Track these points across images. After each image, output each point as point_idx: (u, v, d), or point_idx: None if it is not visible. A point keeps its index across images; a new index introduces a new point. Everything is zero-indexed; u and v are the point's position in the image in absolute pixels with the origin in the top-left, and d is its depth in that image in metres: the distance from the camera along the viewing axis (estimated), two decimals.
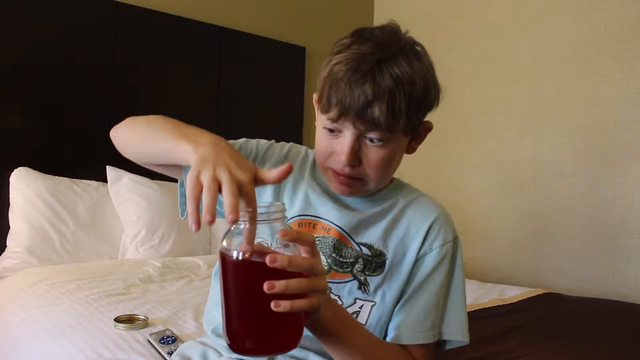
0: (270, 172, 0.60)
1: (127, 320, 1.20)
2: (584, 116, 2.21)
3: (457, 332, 0.79)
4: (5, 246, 1.81)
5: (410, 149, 0.82)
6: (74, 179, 1.98)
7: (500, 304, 1.63)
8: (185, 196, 0.79)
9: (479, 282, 2.08)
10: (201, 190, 0.56)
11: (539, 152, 2.36)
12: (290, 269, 0.53)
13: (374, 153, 0.73)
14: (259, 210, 0.56)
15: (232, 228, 0.57)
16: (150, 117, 0.79)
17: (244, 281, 0.56)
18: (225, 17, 2.53)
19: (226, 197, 0.55)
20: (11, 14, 1.94)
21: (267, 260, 0.52)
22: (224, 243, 0.56)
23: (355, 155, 0.72)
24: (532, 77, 2.39)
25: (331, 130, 0.73)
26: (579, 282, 2.17)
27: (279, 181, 0.60)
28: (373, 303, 0.77)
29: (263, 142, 0.87)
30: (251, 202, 0.56)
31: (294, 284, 0.53)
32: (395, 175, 0.88)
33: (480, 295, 1.77)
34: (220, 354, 0.79)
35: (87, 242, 1.88)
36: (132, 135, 0.81)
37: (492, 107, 2.55)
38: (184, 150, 0.65)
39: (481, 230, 2.55)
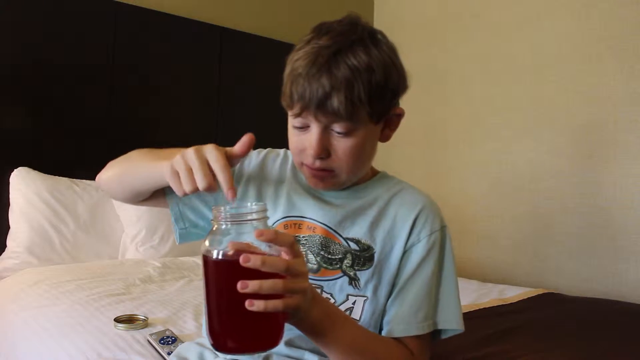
0: (235, 146, 0.67)
1: (127, 320, 1.20)
2: (584, 116, 2.21)
3: (451, 321, 0.80)
4: (5, 246, 1.81)
5: (384, 137, 0.81)
6: (74, 179, 1.98)
7: (500, 304, 1.63)
8: (177, 224, 0.84)
9: (479, 282, 2.08)
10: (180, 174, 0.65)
11: (539, 152, 2.36)
12: (264, 269, 0.54)
13: (341, 144, 0.73)
14: (239, 211, 0.58)
15: (214, 228, 0.58)
16: (127, 154, 0.85)
17: (222, 280, 0.57)
18: (225, 17, 2.53)
19: (190, 161, 0.65)
20: (11, 14, 1.94)
21: (241, 259, 0.53)
22: (206, 242, 0.58)
23: (324, 148, 0.73)
24: (532, 77, 2.39)
25: (300, 127, 0.74)
26: (579, 282, 2.17)
27: (244, 153, 0.67)
28: (365, 298, 0.78)
29: None
30: (218, 159, 0.63)
31: (267, 284, 0.54)
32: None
33: (480, 295, 1.77)
34: (216, 355, 0.79)
35: (87, 242, 1.88)
36: (114, 175, 0.85)
37: (492, 107, 2.55)
38: (163, 169, 0.70)
39: (481, 230, 2.55)
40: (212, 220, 0.58)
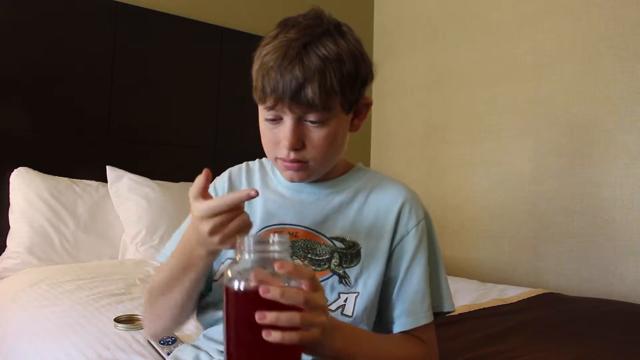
0: (198, 183, 0.66)
1: (127, 320, 1.20)
2: (584, 116, 2.20)
3: (447, 303, 0.84)
4: (5, 246, 1.81)
5: (354, 127, 0.83)
6: (74, 179, 1.98)
7: (500, 304, 1.63)
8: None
9: (479, 282, 2.08)
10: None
11: (539, 152, 2.36)
12: (283, 301, 0.54)
13: (316, 134, 0.74)
14: (260, 243, 0.58)
15: (237, 259, 0.58)
16: (148, 287, 0.82)
17: (243, 310, 0.57)
18: (225, 17, 2.53)
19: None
20: (11, 13, 1.94)
21: (260, 291, 0.53)
22: (229, 273, 0.58)
23: (298, 139, 0.74)
24: (532, 77, 2.39)
25: (273, 120, 0.75)
26: (579, 282, 2.17)
27: (207, 185, 0.66)
28: (356, 294, 0.78)
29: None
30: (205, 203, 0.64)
31: (285, 316, 0.54)
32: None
33: (480, 295, 1.77)
34: (212, 357, 0.79)
35: (87, 242, 1.88)
36: (156, 310, 0.80)
37: (492, 107, 2.55)
38: (195, 257, 0.70)
39: (481, 230, 2.55)
40: (235, 250, 0.59)
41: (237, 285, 0.57)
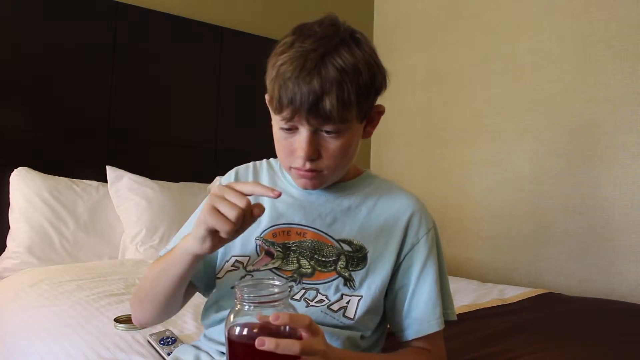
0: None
1: (127, 320, 1.20)
2: (584, 116, 2.20)
3: (452, 312, 0.84)
4: (5, 246, 1.81)
5: (366, 134, 0.83)
6: (74, 179, 1.98)
7: (500, 304, 1.63)
8: (208, 291, 0.84)
9: (479, 282, 2.08)
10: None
11: (539, 152, 2.36)
12: (278, 351, 0.54)
13: (332, 144, 0.74)
14: (259, 293, 0.58)
15: (237, 308, 0.59)
16: (142, 277, 0.82)
17: (244, 356, 0.59)
18: (225, 17, 2.53)
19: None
20: (11, 14, 1.94)
21: (256, 343, 0.54)
22: (231, 317, 0.59)
23: (314, 150, 0.74)
24: (532, 77, 2.39)
25: (288, 129, 0.74)
26: (579, 282, 2.17)
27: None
28: (360, 297, 0.78)
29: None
30: (236, 184, 0.66)
31: (285, 343, 0.54)
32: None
33: (480, 295, 1.77)
34: (212, 358, 0.79)
35: (87, 242, 1.88)
36: (144, 300, 0.81)
37: (492, 107, 2.55)
38: (187, 247, 0.70)
39: (481, 230, 2.55)
40: (235, 299, 0.59)
41: (239, 331, 0.58)
